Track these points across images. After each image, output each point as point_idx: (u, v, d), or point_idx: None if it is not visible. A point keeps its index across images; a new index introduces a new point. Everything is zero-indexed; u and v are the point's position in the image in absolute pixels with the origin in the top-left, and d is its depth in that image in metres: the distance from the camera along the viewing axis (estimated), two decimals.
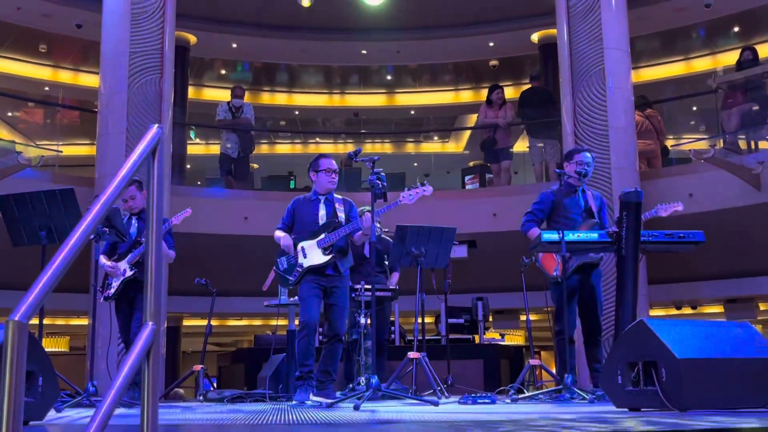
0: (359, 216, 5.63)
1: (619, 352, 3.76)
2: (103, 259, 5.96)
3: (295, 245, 5.49)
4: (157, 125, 2.37)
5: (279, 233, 5.64)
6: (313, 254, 5.45)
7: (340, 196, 5.74)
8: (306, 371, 5.35)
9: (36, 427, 3.27)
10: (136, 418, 2.95)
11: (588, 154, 5.90)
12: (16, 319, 1.77)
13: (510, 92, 13.07)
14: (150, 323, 2.22)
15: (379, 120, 16.85)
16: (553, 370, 7.13)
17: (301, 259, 5.47)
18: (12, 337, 1.75)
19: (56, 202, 5.19)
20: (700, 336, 3.61)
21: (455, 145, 16.79)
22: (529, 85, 12.41)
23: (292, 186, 12.84)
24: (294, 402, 5.32)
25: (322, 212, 5.59)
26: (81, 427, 3.04)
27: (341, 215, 5.55)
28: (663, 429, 2.47)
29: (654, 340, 3.50)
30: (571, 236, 5.23)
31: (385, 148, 16.45)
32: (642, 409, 3.59)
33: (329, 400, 4.94)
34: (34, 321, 5.75)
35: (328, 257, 5.42)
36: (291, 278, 5.51)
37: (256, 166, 13.06)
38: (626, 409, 3.66)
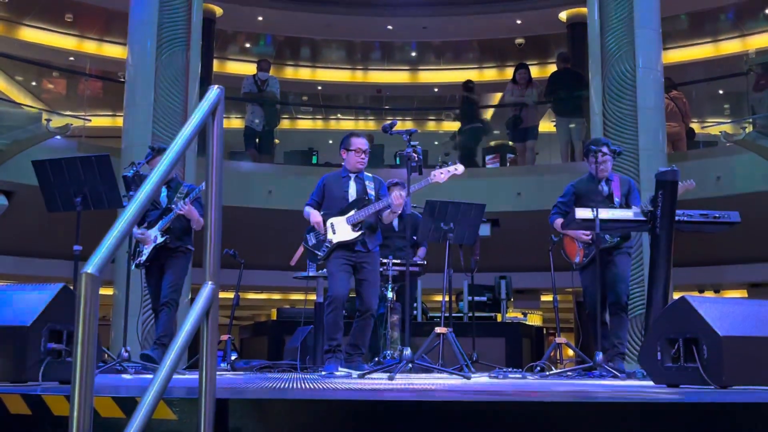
0: (388, 192, 5.65)
1: (660, 329, 3.75)
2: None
3: (325, 221, 5.52)
4: (217, 86, 2.37)
5: (308, 209, 5.67)
6: (342, 230, 5.49)
7: (370, 174, 5.75)
8: (334, 345, 5.41)
9: None
10: (193, 381, 2.97)
11: (605, 147, 5.86)
12: (90, 271, 1.78)
13: (536, 71, 12.97)
14: (210, 282, 2.24)
15: (402, 97, 16.79)
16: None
17: (330, 235, 5.51)
18: (85, 289, 1.77)
19: (91, 169, 5.21)
20: (742, 314, 3.59)
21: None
22: (554, 67, 12.34)
23: (314, 161, 12.85)
24: (323, 373, 5.35)
25: (352, 189, 5.62)
26: (137, 388, 3.07)
27: (371, 192, 5.57)
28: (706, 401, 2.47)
29: (696, 317, 3.49)
30: (605, 214, 5.21)
31: (407, 125, 16.36)
32: (681, 386, 3.58)
33: (357, 372, 4.96)
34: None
35: (358, 234, 5.46)
36: (320, 253, 5.56)
37: (278, 141, 13.06)
38: (665, 386, 3.65)
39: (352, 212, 5.50)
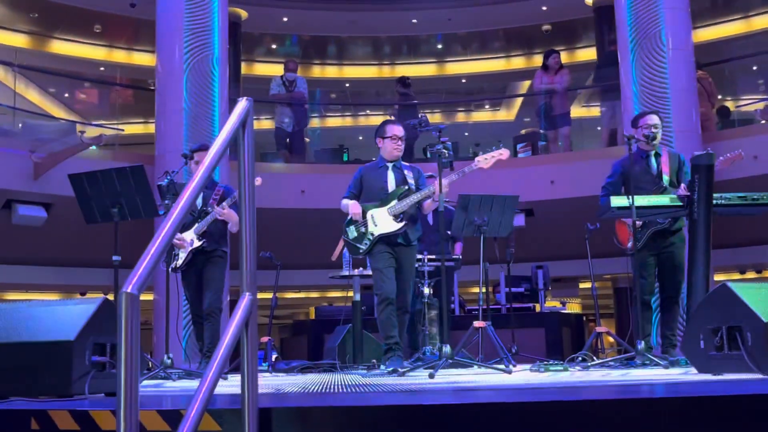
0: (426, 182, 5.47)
1: (701, 317, 3.70)
2: None
3: (364, 213, 5.37)
4: (246, 98, 2.39)
5: (346, 201, 5.52)
6: (383, 222, 5.33)
7: (407, 164, 5.59)
8: (392, 342, 5.27)
9: None
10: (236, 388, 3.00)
11: (655, 117, 5.78)
12: (129, 290, 1.81)
13: (564, 57, 12.84)
14: (248, 294, 2.26)
15: (429, 90, 16.73)
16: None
17: (371, 228, 5.36)
18: (126, 308, 1.80)
19: (127, 179, 5.27)
20: None
21: (507, 113, 16.60)
22: (583, 52, 12.21)
23: (345, 159, 12.87)
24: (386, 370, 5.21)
25: (391, 179, 5.47)
26: (180, 398, 3.11)
27: (411, 182, 5.40)
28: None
29: (738, 304, 3.44)
30: (641, 201, 5.15)
31: (436, 117, 16.31)
32: (726, 374, 3.53)
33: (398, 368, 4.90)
34: (110, 297, 5.88)
35: (400, 225, 5.30)
36: (362, 247, 5.40)
37: (308, 140, 13.10)
38: (710, 374, 3.61)
39: (394, 202, 5.35)
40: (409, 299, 5.44)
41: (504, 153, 5.28)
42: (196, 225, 5.93)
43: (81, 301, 3.44)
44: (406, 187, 5.39)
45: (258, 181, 5.70)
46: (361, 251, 5.43)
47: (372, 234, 5.34)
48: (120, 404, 1.79)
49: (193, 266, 6.03)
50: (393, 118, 6.63)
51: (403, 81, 12.34)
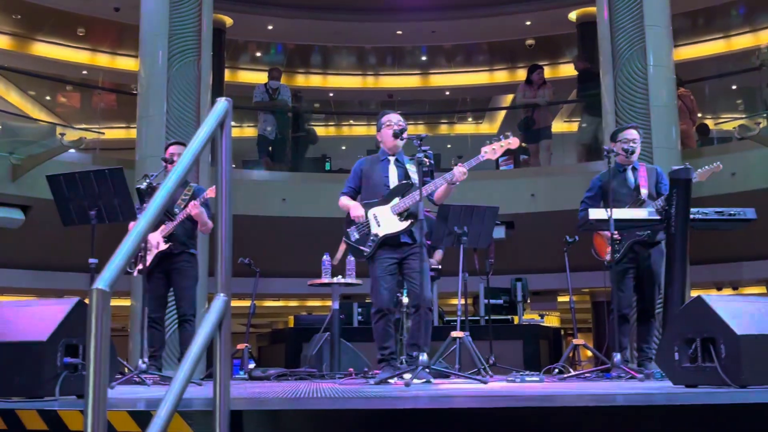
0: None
1: (676, 329, 3.72)
2: None
3: (366, 212, 5.03)
4: (224, 98, 2.38)
5: (346, 200, 5.17)
6: (387, 221, 4.99)
7: (408, 157, 5.20)
8: (387, 353, 5.03)
9: None
10: (209, 392, 2.97)
11: (633, 131, 5.83)
12: (100, 287, 1.79)
13: (547, 72, 12.93)
14: (222, 294, 2.24)
15: (413, 101, 16.79)
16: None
17: (374, 228, 5.01)
18: (96, 305, 1.78)
19: (105, 182, 5.22)
20: (759, 312, 3.55)
21: (489, 126, 16.68)
22: (565, 67, 12.31)
23: (327, 168, 12.87)
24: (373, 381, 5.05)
25: (393, 174, 5.13)
26: (153, 401, 3.08)
27: (413, 177, 4.99)
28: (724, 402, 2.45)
29: (713, 317, 3.46)
30: (619, 214, 5.18)
31: (419, 129, 16.37)
32: (699, 386, 3.55)
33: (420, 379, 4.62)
34: (86, 299, 5.81)
35: (405, 224, 4.96)
36: (366, 249, 5.02)
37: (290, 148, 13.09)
38: (683, 386, 3.63)
39: (397, 200, 5.00)
40: (427, 294, 4.88)
41: (514, 142, 4.97)
42: (163, 227, 5.80)
43: (54, 302, 3.40)
44: (409, 182, 5.05)
45: (211, 192, 5.61)
46: (365, 254, 5.06)
47: (376, 235, 5.00)
48: (88, 402, 1.77)
49: (160, 269, 5.88)
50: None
51: (295, 94, 12.58)
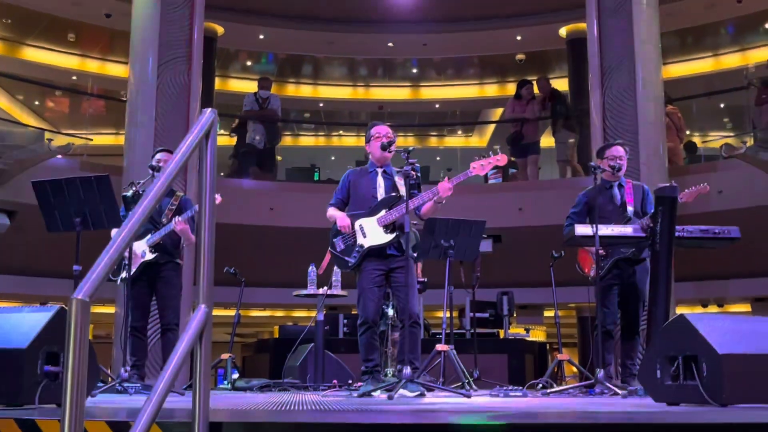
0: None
1: (659, 347, 3.73)
2: None
3: (352, 223, 5.05)
4: (210, 109, 2.38)
5: (333, 211, 5.18)
6: (373, 233, 5.00)
7: (397, 168, 5.21)
8: (371, 366, 5.04)
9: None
10: (187, 402, 2.96)
11: (620, 148, 5.86)
12: (80, 297, 1.78)
13: (536, 87, 13.00)
14: (203, 306, 2.24)
15: (403, 113, 16.84)
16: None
17: (360, 239, 5.02)
18: (76, 315, 1.77)
19: (91, 189, 5.20)
20: (741, 331, 3.57)
21: (479, 140, 16.76)
22: (555, 82, 12.36)
23: (316, 178, 12.88)
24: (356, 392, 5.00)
25: (381, 186, 5.14)
26: (133, 411, 3.06)
27: (402, 189, 5.00)
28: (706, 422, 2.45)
29: (694, 335, 3.47)
30: (605, 230, 5.20)
31: (409, 141, 16.44)
32: (681, 404, 3.56)
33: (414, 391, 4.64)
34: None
35: (391, 236, 4.96)
36: (351, 260, 5.04)
37: (279, 158, 13.10)
38: (665, 404, 3.63)
39: (383, 212, 5.01)
40: (414, 310, 4.91)
41: (502, 158, 4.98)
42: (149, 236, 5.76)
43: (36, 310, 3.37)
44: (397, 195, 5.07)
45: (218, 199, 5.55)
46: (349, 265, 5.07)
47: (361, 246, 5.02)
48: (65, 412, 1.76)
49: (144, 278, 5.84)
50: None
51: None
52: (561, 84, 13.68)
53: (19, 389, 3.04)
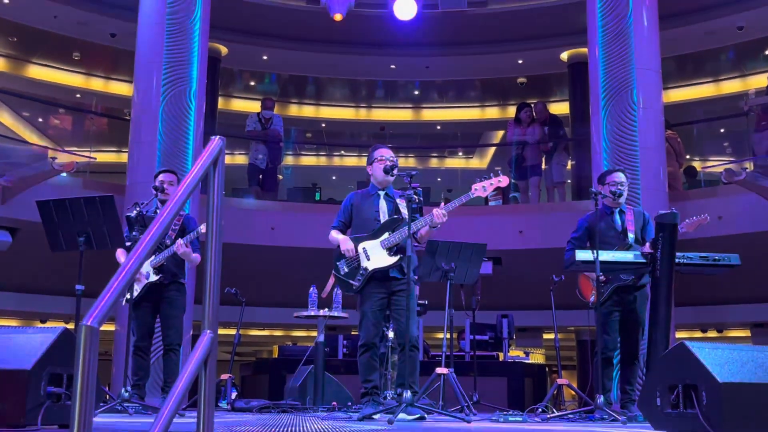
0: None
1: (658, 374, 3.74)
2: (122, 259, 5.73)
3: (355, 246, 5.08)
4: (218, 137, 2.41)
5: (336, 234, 5.21)
6: (376, 256, 5.03)
7: (399, 191, 5.29)
8: (370, 387, 5.07)
9: None
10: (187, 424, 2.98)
11: (621, 174, 5.90)
12: (89, 324, 1.80)
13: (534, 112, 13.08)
14: (209, 332, 2.26)
15: (405, 134, 16.91)
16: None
17: (364, 262, 5.05)
18: (85, 341, 1.79)
19: (95, 209, 5.23)
20: (742, 360, 3.58)
21: (480, 162, 16.81)
22: (556, 105, 12.45)
23: (317, 198, 12.92)
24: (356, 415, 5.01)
25: (383, 209, 5.18)
26: None
27: (404, 212, 5.04)
28: None
29: (695, 363, 3.48)
30: (605, 256, 5.23)
31: (410, 162, 16.49)
32: None
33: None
34: (70, 326, 5.78)
35: (395, 259, 5.00)
36: (355, 283, 5.07)
37: (281, 177, 13.14)
38: None
39: (386, 235, 5.05)
40: (413, 334, 4.92)
41: (504, 180, 5.03)
42: (153, 258, 5.77)
43: (40, 330, 3.40)
44: (399, 217, 5.10)
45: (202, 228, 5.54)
46: (354, 288, 5.10)
47: (365, 269, 5.04)
48: None
49: (148, 299, 5.86)
50: None
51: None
52: (562, 108, 13.77)
53: (22, 410, 3.06)
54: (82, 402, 1.78)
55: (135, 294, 5.74)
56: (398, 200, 5.20)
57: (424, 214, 5.05)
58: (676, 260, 5.23)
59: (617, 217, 5.79)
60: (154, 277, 5.80)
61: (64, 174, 9.58)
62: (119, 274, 1.93)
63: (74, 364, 1.79)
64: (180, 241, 5.65)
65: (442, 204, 5.01)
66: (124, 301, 5.77)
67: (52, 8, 11.92)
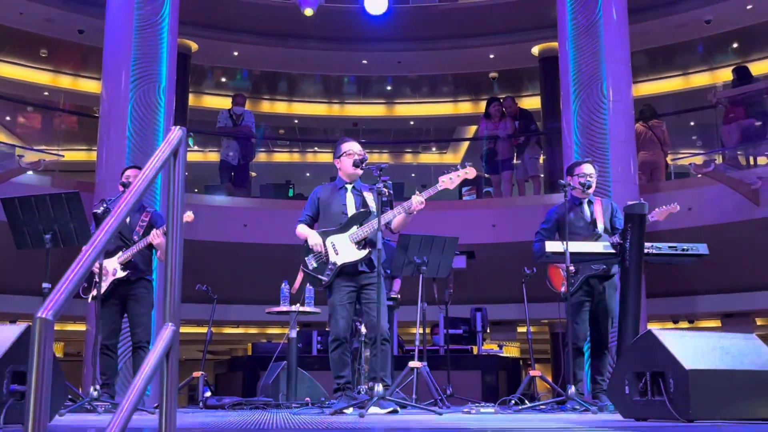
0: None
1: (627, 362, 3.77)
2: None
3: (323, 240, 5.04)
4: (179, 127, 2.38)
5: (303, 229, 5.18)
6: (345, 250, 5.01)
7: (367, 185, 5.26)
8: (342, 382, 5.07)
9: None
10: (151, 422, 2.94)
11: (590, 166, 5.93)
12: (44, 316, 1.77)
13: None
14: (170, 324, 2.22)
15: (378, 130, 16.89)
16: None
17: (332, 257, 5.03)
18: (39, 334, 1.76)
19: (61, 206, 5.17)
20: (708, 347, 3.62)
21: (453, 156, 16.84)
22: (527, 99, 12.49)
23: (290, 194, 12.86)
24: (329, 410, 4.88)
25: (351, 202, 5.17)
26: (96, 430, 3.03)
27: (371, 205, 5.06)
28: None
29: (662, 351, 3.51)
30: (574, 247, 5.25)
31: (384, 158, 16.47)
32: (649, 420, 3.59)
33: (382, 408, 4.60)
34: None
35: (364, 252, 4.99)
36: (324, 278, 5.05)
37: (254, 174, 13.07)
38: (633, 420, 3.66)
39: (354, 228, 5.03)
40: (384, 327, 4.86)
41: (471, 172, 5.04)
42: (120, 253, 5.72)
43: (2, 328, 3.34)
44: (367, 211, 5.10)
45: (189, 216, 5.51)
46: (323, 282, 5.08)
47: (334, 263, 5.02)
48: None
49: (115, 296, 5.79)
50: None
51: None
52: (534, 102, 13.83)
53: None
54: (37, 398, 1.74)
55: (100, 291, 5.64)
56: (366, 194, 5.19)
57: (393, 207, 5.03)
58: (645, 250, 5.26)
59: (586, 207, 5.82)
60: (121, 274, 5.73)
61: (31, 172, 9.44)
62: (76, 265, 1.90)
63: (28, 358, 1.75)
64: (156, 230, 5.59)
65: (417, 194, 4.98)
66: (90, 299, 5.70)
67: (19, 5, 11.76)
